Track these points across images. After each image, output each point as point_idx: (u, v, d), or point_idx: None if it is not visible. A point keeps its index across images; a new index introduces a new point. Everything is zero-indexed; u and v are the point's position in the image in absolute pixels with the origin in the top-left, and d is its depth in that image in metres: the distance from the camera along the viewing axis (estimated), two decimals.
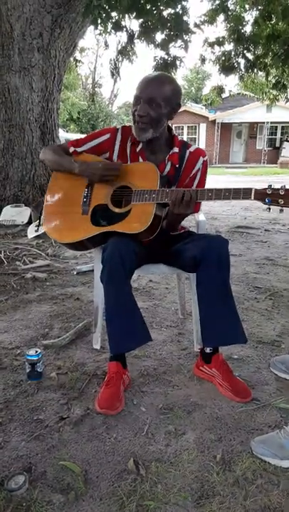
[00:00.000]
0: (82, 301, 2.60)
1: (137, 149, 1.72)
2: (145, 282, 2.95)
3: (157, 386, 1.68)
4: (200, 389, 1.65)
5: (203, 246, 1.58)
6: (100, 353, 1.93)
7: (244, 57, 6.54)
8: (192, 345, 1.99)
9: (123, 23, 5.48)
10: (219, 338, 1.62)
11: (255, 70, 6.78)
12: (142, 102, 1.58)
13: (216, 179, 12.48)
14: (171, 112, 1.65)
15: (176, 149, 1.72)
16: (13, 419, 1.46)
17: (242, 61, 6.59)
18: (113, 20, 5.29)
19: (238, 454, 1.30)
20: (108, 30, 5.66)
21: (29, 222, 4.73)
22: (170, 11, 5.41)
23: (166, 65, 6.14)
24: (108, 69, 6.44)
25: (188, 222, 1.92)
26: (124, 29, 5.58)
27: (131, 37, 5.70)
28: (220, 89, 7.73)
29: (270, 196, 1.39)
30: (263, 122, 21.76)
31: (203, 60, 6.80)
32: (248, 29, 6.23)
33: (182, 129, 23.18)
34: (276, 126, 22.66)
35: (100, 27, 5.22)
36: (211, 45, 6.52)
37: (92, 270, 2.21)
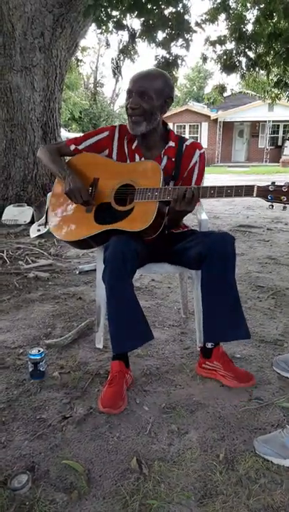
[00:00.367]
0: (85, 300, 2.60)
1: (133, 146, 1.73)
2: (147, 281, 2.95)
3: (160, 385, 1.68)
4: (203, 388, 1.65)
5: (209, 242, 1.58)
6: (103, 353, 1.93)
7: (246, 55, 6.53)
8: (195, 345, 1.99)
9: (124, 22, 5.49)
10: (221, 334, 1.63)
11: (257, 69, 6.78)
12: (133, 94, 1.60)
13: (218, 178, 12.46)
14: (164, 104, 1.65)
15: (172, 143, 1.73)
16: (16, 419, 1.47)
17: (243, 60, 6.59)
18: (114, 20, 5.29)
19: (241, 453, 1.30)
20: (110, 30, 5.67)
21: (31, 222, 4.74)
22: (171, 9, 5.41)
23: (168, 64, 6.14)
24: (110, 68, 6.44)
25: (191, 222, 1.92)
26: (126, 28, 5.58)
27: (132, 36, 5.71)
28: (222, 88, 7.73)
29: (272, 193, 1.39)
30: (265, 121, 21.72)
31: (204, 59, 6.79)
32: (249, 28, 6.22)
33: (184, 128, 23.15)
34: (278, 125, 22.61)
35: (101, 26, 5.23)
36: (213, 43, 6.51)
37: (95, 269, 2.21)
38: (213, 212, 6.28)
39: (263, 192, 1.40)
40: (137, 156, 1.73)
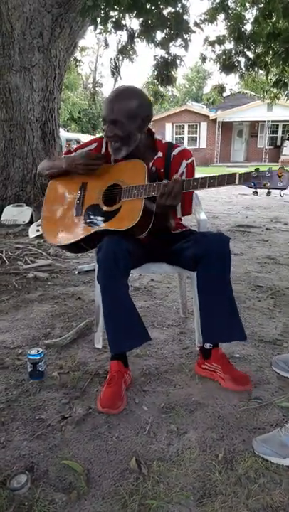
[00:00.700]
0: (84, 300, 2.60)
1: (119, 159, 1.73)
2: (146, 281, 2.95)
3: (159, 385, 1.68)
4: (202, 388, 1.65)
5: (204, 243, 1.58)
6: (102, 353, 1.93)
7: (245, 55, 6.53)
8: (194, 345, 1.99)
9: (123, 22, 5.48)
10: (218, 335, 1.63)
11: (256, 69, 6.78)
12: (107, 123, 1.60)
13: None
14: (142, 124, 1.62)
15: (160, 154, 1.72)
16: (15, 419, 1.47)
17: (242, 60, 6.59)
18: (113, 20, 5.29)
19: (240, 453, 1.30)
20: (108, 30, 5.67)
21: (30, 222, 4.74)
22: (170, 9, 5.41)
23: (167, 64, 6.15)
24: (109, 68, 6.44)
25: (190, 222, 1.92)
26: (125, 28, 5.58)
27: (131, 36, 5.71)
28: (221, 88, 7.73)
29: (255, 179, 1.36)
30: (264, 121, 21.72)
31: (203, 59, 6.80)
32: (248, 27, 6.23)
33: (183, 128, 23.15)
34: (277, 125, 22.61)
35: (100, 26, 5.22)
36: (212, 43, 6.52)
37: (94, 269, 2.21)
38: (212, 212, 6.29)
39: (246, 178, 1.37)
40: None
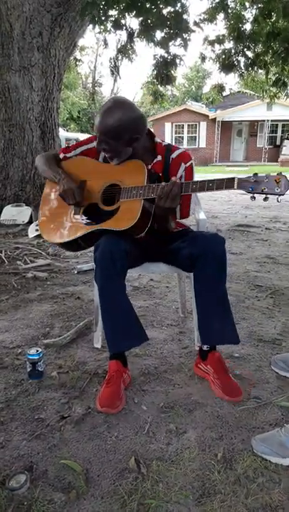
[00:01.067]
0: (83, 300, 2.60)
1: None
2: (146, 281, 2.95)
3: (158, 385, 1.68)
4: (201, 387, 1.65)
5: (199, 245, 1.58)
6: (101, 352, 1.93)
7: (244, 55, 6.54)
8: (193, 344, 1.99)
9: (123, 21, 5.48)
10: (214, 337, 1.63)
11: (256, 68, 6.78)
12: (99, 135, 1.59)
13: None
14: (130, 141, 1.60)
15: (159, 157, 1.72)
16: (15, 419, 1.47)
17: (242, 59, 6.59)
18: (112, 19, 5.29)
19: (239, 453, 1.30)
20: (108, 29, 5.67)
21: (30, 222, 4.74)
22: (170, 9, 5.41)
23: (166, 64, 6.15)
24: (108, 68, 6.44)
25: (189, 222, 1.92)
26: (124, 28, 5.58)
27: (130, 35, 5.71)
28: (220, 88, 7.73)
29: (253, 184, 1.37)
30: (264, 120, 21.71)
31: (203, 59, 6.80)
32: (248, 27, 6.23)
33: (182, 127, 23.14)
34: (277, 124, 22.61)
35: (99, 26, 5.22)
36: (211, 43, 6.52)
37: (93, 269, 2.21)
38: (212, 211, 6.29)
39: (244, 183, 1.38)
40: None
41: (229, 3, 6.11)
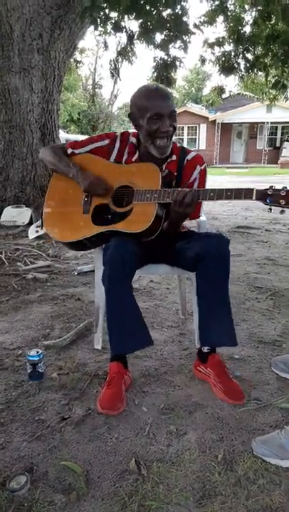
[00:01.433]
0: (83, 301, 2.60)
1: (133, 159, 1.72)
2: (146, 282, 2.95)
3: (158, 386, 1.68)
4: (201, 389, 1.65)
5: (204, 245, 1.58)
6: (101, 354, 1.93)
7: (244, 57, 6.56)
8: (193, 346, 1.99)
9: (122, 23, 5.49)
10: (215, 339, 1.62)
11: (255, 70, 6.79)
12: (166, 117, 1.58)
13: (217, 180, 12.47)
14: None
15: (174, 157, 1.72)
16: (15, 420, 1.47)
17: (242, 61, 6.61)
18: (112, 21, 5.30)
19: (240, 454, 1.30)
20: (108, 31, 5.68)
21: (30, 223, 4.73)
22: (169, 11, 5.42)
23: (166, 66, 6.16)
24: (108, 70, 6.45)
25: (189, 223, 1.92)
26: (124, 30, 5.59)
27: (130, 38, 5.71)
28: (220, 90, 7.75)
29: (271, 197, 1.40)
30: (263, 122, 21.77)
31: (203, 61, 6.81)
32: (247, 29, 6.25)
33: (182, 129, 23.18)
34: (276, 126, 22.67)
35: (99, 28, 5.23)
36: (211, 45, 6.54)
37: (93, 270, 2.21)
38: (212, 213, 6.29)
39: (262, 195, 1.41)
40: None
41: (229, 6, 6.13)
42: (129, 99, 1.70)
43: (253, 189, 1.43)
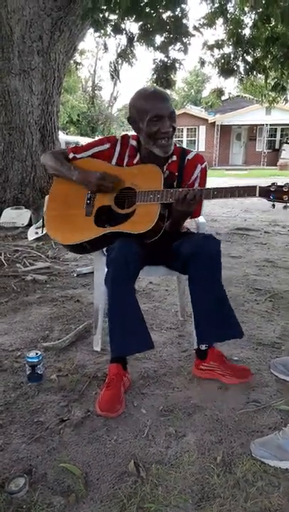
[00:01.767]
0: (83, 303, 2.60)
1: (134, 161, 1.73)
2: (145, 284, 2.95)
3: (158, 388, 1.68)
4: (200, 391, 1.65)
5: (192, 245, 1.60)
6: (101, 355, 1.93)
7: (243, 59, 6.57)
8: (192, 347, 1.99)
9: (122, 25, 5.51)
10: (213, 336, 1.65)
11: (255, 73, 6.81)
12: (166, 119, 1.58)
13: (217, 182, 12.48)
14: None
15: (174, 158, 1.73)
16: (14, 422, 1.46)
17: (241, 64, 6.62)
18: (112, 23, 5.31)
19: (239, 456, 1.30)
20: (108, 33, 5.69)
21: (29, 225, 4.74)
22: (169, 13, 5.43)
23: (166, 68, 6.17)
24: (108, 72, 6.46)
25: (188, 225, 1.92)
26: (124, 32, 5.60)
27: (130, 40, 5.73)
28: (219, 92, 7.76)
29: (274, 193, 1.42)
30: (263, 124, 21.79)
31: (202, 63, 6.82)
32: (247, 32, 6.26)
33: (182, 131, 23.20)
34: (275, 128, 22.69)
35: (99, 29, 5.25)
36: (211, 48, 6.55)
37: (93, 272, 2.21)
38: (211, 215, 6.29)
39: (265, 192, 1.43)
40: None
41: (228, 8, 6.15)
42: (128, 102, 1.71)
43: (255, 186, 1.44)
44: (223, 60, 6.59)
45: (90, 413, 1.50)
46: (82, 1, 4.62)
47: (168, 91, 8.45)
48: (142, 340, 1.56)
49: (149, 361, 1.89)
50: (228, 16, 6.15)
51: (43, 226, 4.28)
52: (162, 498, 1.14)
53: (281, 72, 6.36)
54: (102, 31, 5.59)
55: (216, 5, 5.96)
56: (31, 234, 4.36)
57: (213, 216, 6.18)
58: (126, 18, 5.27)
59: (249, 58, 6.57)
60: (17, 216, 4.93)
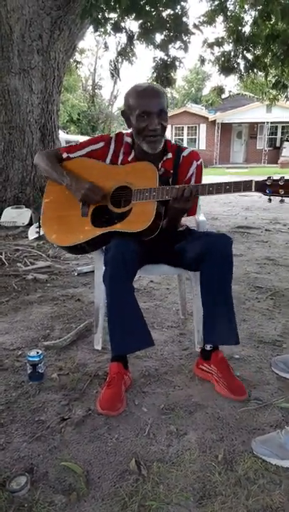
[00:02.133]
0: (83, 302, 2.60)
1: (129, 158, 1.72)
2: (146, 283, 2.95)
3: (159, 386, 1.68)
4: (201, 389, 1.65)
5: (209, 242, 1.59)
6: (101, 354, 1.93)
7: (244, 57, 6.55)
8: (193, 346, 1.99)
9: (122, 24, 5.50)
10: (219, 337, 1.64)
11: (255, 70, 6.79)
12: (154, 116, 1.57)
13: (217, 180, 12.46)
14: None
15: (169, 155, 1.72)
16: (15, 420, 1.46)
17: (241, 61, 6.61)
18: (112, 22, 5.30)
19: (240, 454, 1.29)
20: (108, 32, 5.68)
21: (30, 224, 4.74)
22: (169, 11, 5.42)
23: (166, 66, 6.16)
24: (108, 70, 6.45)
25: (189, 223, 1.92)
26: (124, 30, 5.60)
27: (130, 38, 5.72)
28: (220, 90, 7.75)
29: (270, 187, 1.41)
30: (263, 122, 21.75)
31: (202, 61, 6.82)
32: (247, 29, 6.25)
33: (182, 129, 23.18)
34: (276, 126, 22.65)
35: (99, 28, 5.24)
36: (211, 45, 6.54)
37: (93, 271, 2.21)
38: (212, 213, 6.29)
39: (261, 186, 1.42)
40: None
41: (228, 6, 6.13)
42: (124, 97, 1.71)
43: (251, 181, 1.43)
44: (223, 58, 6.58)
45: (91, 412, 1.50)
46: (81, 0, 4.61)
47: (167, 89, 8.47)
48: (142, 338, 1.55)
49: (150, 360, 1.89)
50: (228, 13, 6.14)
51: (40, 226, 4.29)
52: (164, 496, 1.14)
53: (281, 69, 6.34)
54: (102, 30, 5.58)
55: (216, 2, 5.95)
56: (32, 233, 4.36)
57: (213, 214, 6.17)
58: (126, 17, 5.27)
59: (249, 56, 6.57)
60: (17, 215, 4.93)
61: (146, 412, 1.51)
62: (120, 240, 1.55)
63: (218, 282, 1.58)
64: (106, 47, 6.34)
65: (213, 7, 6.00)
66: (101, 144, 1.75)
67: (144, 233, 1.57)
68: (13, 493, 1.14)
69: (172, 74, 6.40)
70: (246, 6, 6.14)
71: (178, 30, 5.51)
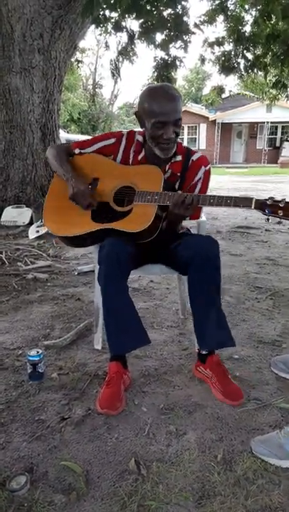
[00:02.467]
0: (84, 301, 2.60)
1: (139, 157, 1.73)
2: (146, 282, 2.96)
3: (158, 386, 1.68)
4: (201, 389, 1.66)
5: (192, 248, 1.59)
6: (101, 354, 1.93)
7: (244, 57, 6.54)
8: (193, 346, 1.99)
9: (123, 23, 5.49)
10: (210, 342, 1.63)
11: (255, 70, 6.79)
12: (170, 125, 1.57)
13: (217, 180, 12.47)
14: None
15: (179, 157, 1.72)
16: (15, 420, 1.47)
17: (242, 61, 6.60)
18: (113, 21, 5.30)
19: (239, 454, 1.30)
20: (108, 31, 5.68)
21: (30, 223, 4.74)
22: (170, 11, 5.42)
23: (166, 65, 6.15)
24: (109, 69, 6.45)
25: (189, 222, 1.92)
26: (125, 30, 5.59)
27: (131, 37, 5.71)
28: (220, 90, 7.74)
29: (270, 207, 1.41)
30: (263, 122, 21.76)
31: (203, 61, 6.81)
32: (247, 29, 6.24)
33: (182, 129, 23.17)
34: (276, 126, 22.66)
35: (100, 27, 5.23)
36: (211, 45, 6.53)
37: (93, 270, 2.21)
38: (212, 213, 6.29)
39: (261, 205, 1.42)
40: None
41: (229, 5, 6.13)
42: (138, 95, 1.70)
43: (252, 198, 1.43)
44: (223, 58, 6.57)
45: (90, 411, 1.51)
46: None
47: None
48: (137, 336, 1.56)
49: (150, 359, 1.89)
50: (229, 13, 6.13)
51: (41, 223, 4.29)
52: (163, 495, 1.15)
53: (282, 69, 6.34)
54: (103, 29, 5.58)
55: (217, 2, 5.94)
56: (32, 232, 4.37)
57: (214, 215, 6.17)
58: (127, 16, 5.26)
59: (250, 55, 6.55)
60: (18, 215, 4.93)
61: (145, 411, 1.51)
62: (114, 240, 1.55)
63: (203, 286, 1.57)
64: (107, 46, 6.33)
65: (213, 6, 5.99)
66: (112, 140, 1.76)
67: (141, 234, 1.58)
68: (13, 492, 1.14)
69: (173, 73, 6.39)
70: (247, 6, 6.14)
71: (178, 29, 5.50)
